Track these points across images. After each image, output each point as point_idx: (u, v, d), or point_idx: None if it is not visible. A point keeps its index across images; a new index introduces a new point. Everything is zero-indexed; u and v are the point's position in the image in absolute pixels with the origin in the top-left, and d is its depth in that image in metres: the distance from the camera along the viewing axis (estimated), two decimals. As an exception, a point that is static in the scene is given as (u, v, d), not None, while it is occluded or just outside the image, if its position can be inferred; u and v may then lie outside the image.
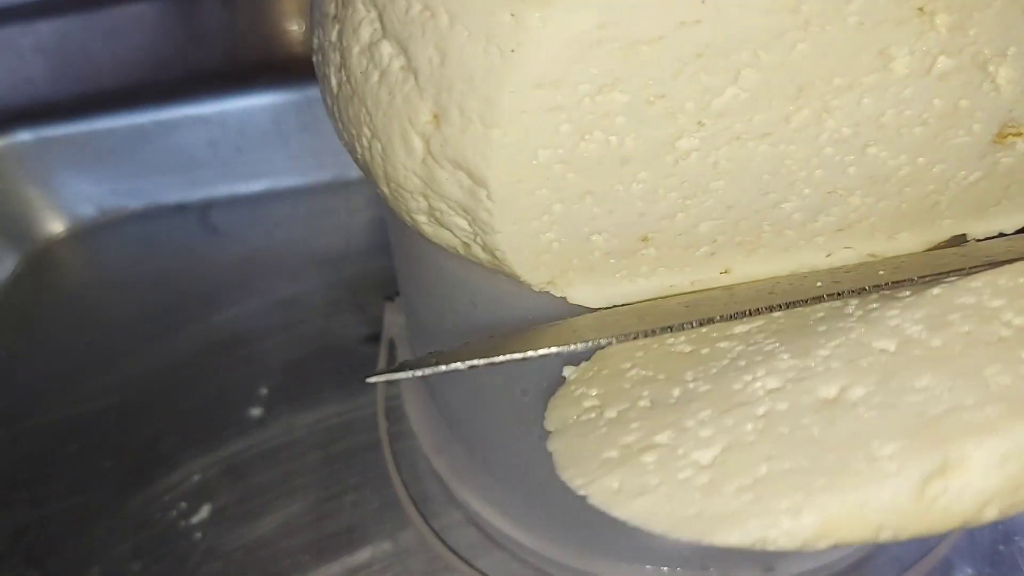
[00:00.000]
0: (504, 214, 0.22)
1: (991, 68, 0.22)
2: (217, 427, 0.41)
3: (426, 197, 0.23)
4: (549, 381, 0.28)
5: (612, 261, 0.24)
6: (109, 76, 0.62)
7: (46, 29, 0.61)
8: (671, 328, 0.21)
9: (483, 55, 0.20)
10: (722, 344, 0.22)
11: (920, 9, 0.20)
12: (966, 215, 0.25)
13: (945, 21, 0.21)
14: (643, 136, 0.21)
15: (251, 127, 0.49)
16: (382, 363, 0.40)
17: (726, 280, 0.25)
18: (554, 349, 0.21)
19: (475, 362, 0.21)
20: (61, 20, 0.61)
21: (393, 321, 0.39)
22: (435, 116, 0.22)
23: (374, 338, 0.43)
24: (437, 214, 0.24)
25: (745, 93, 0.21)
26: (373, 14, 0.22)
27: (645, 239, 0.24)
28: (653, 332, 0.21)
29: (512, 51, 0.20)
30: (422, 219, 0.24)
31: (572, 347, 0.21)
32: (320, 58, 0.26)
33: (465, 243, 0.24)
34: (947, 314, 0.20)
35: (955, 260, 0.22)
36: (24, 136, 0.47)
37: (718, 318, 0.21)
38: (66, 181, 0.48)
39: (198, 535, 0.37)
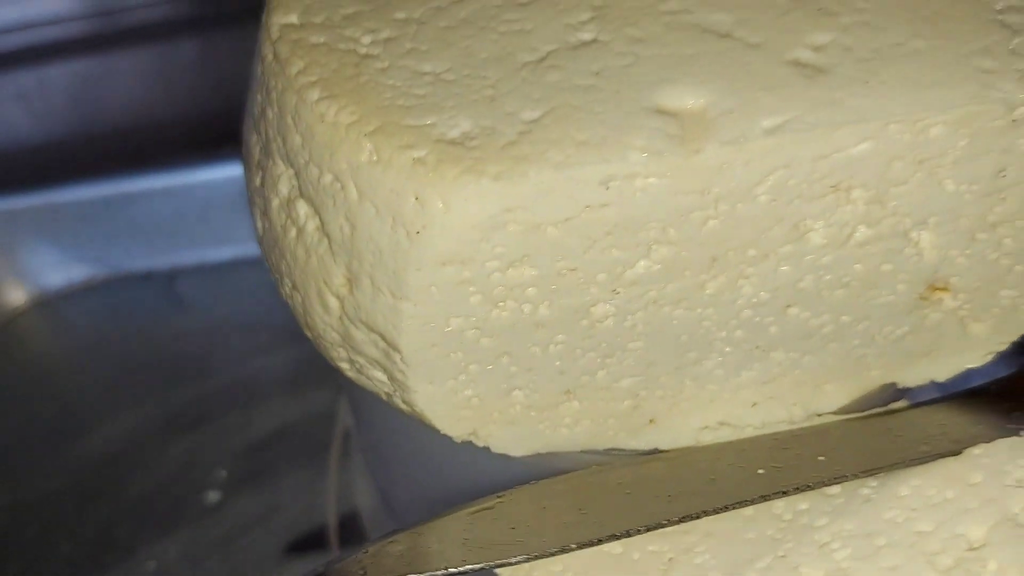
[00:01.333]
0: (418, 375, 0.22)
1: (913, 235, 0.22)
2: (174, 511, 0.41)
3: (346, 350, 0.23)
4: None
5: (533, 414, 0.24)
6: (80, 129, 0.62)
7: (28, 78, 0.61)
8: (615, 536, 0.21)
9: (390, 232, 0.20)
10: (652, 548, 0.21)
11: (835, 186, 0.20)
12: (894, 366, 0.24)
13: (862, 196, 0.20)
14: (557, 304, 0.21)
15: (217, 197, 0.49)
16: (334, 456, 0.40)
17: (652, 433, 0.25)
18: (497, 563, 0.21)
19: None
20: (41, 69, 0.61)
21: (347, 412, 0.39)
22: (348, 280, 0.22)
23: (334, 418, 0.43)
24: (358, 366, 0.24)
25: (657, 265, 0.21)
26: (291, 171, 0.22)
27: (568, 392, 0.23)
28: (598, 541, 0.21)
29: (417, 232, 0.20)
30: (345, 366, 0.24)
31: (515, 560, 0.21)
32: (249, 194, 0.26)
33: (387, 393, 0.24)
34: (875, 535, 0.20)
35: (891, 452, 0.22)
36: (-13, 208, 0.47)
37: (664, 522, 0.21)
38: (31, 249, 0.48)
39: (150, 626, 0.37)
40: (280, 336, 0.47)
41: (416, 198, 0.19)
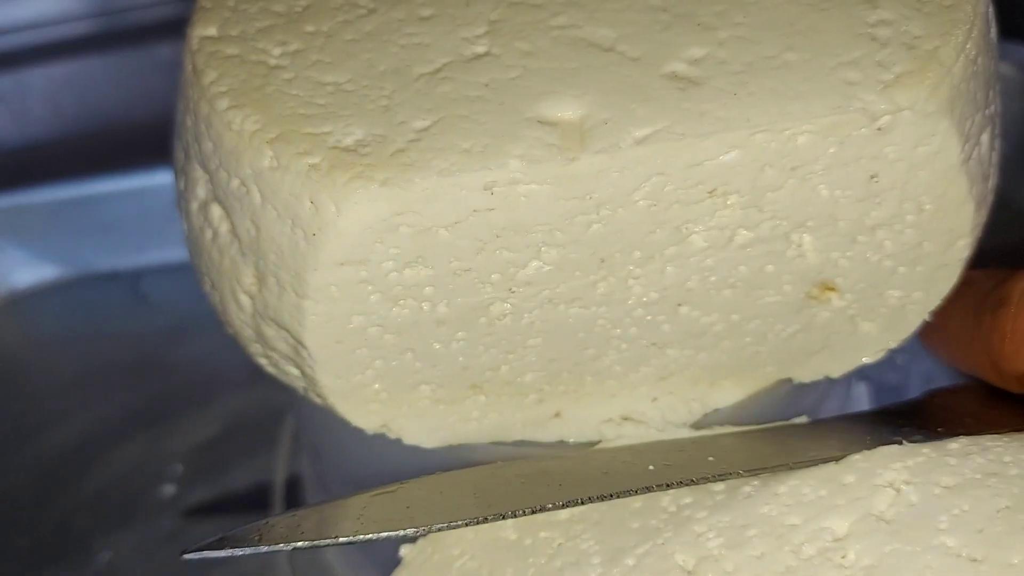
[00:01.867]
0: (326, 371, 0.23)
1: (794, 237, 0.23)
2: (130, 505, 0.42)
3: (261, 346, 0.24)
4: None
5: (442, 407, 0.25)
6: (57, 130, 0.63)
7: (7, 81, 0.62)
8: (502, 516, 0.22)
9: (290, 235, 0.21)
10: (544, 534, 0.23)
11: (711, 191, 0.21)
12: (788, 363, 0.26)
13: (738, 201, 0.22)
14: (455, 303, 0.22)
15: (181, 199, 0.50)
16: (284, 447, 0.41)
17: (558, 425, 0.26)
18: (384, 534, 0.22)
19: (300, 544, 0.22)
20: (20, 72, 0.63)
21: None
22: (257, 279, 0.23)
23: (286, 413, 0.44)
24: (273, 360, 0.25)
25: (548, 266, 0.22)
26: (206, 176, 0.23)
27: (474, 386, 0.25)
28: (484, 519, 0.22)
29: (314, 235, 0.21)
30: (263, 361, 0.25)
31: (402, 532, 0.22)
32: (176, 199, 0.27)
33: (303, 387, 0.25)
34: (747, 527, 0.21)
35: (777, 456, 0.23)
36: (-44, 209, 0.48)
37: (549, 505, 0.22)
38: (0, 250, 0.50)
39: (103, 615, 0.39)
40: (241, 335, 0.49)
41: (311, 202, 0.20)
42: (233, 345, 0.48)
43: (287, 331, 0.23)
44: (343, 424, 0.27)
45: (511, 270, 0.22)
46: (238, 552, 0.22)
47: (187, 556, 0.22)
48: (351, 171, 0.20)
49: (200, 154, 0.23)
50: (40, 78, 0.64)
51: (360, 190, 0.20)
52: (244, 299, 0.23)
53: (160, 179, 0.50)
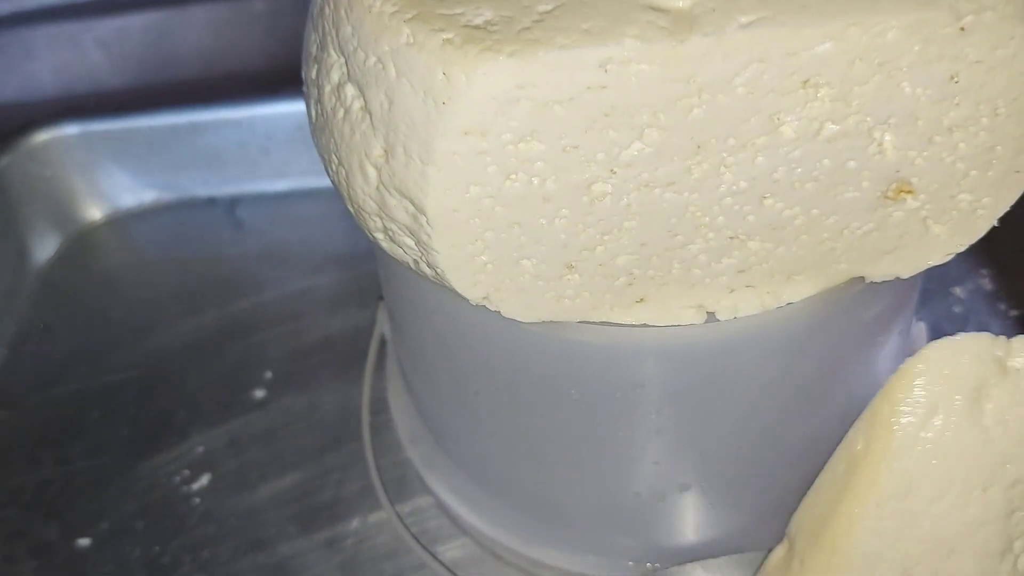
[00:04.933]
0: (441, 238, 0.26)
1: (876, 134, 0.25)
2: (223, 405, 0.45)
3: (381, 218, 0.27)
4: (497, 384, 0.32)
5: (540, 283, 0.27)
6: (155, 73, 0.67)
7: (107, 26, 0.66)
8: None
9: (421, 105, 0.24)
10: None
11: (805, 82, 0.23)
12: (861, 261, 0.28)
13: (828, 93, 0.24)
14: (561, 179, 0.25)
15: (278, 131, 0.53)
16: (371, 358, 0.43)
17: (642, 309, 0.28)
18: None
19: None
20: (120, 18, 0.66)
21: (384, 320, 0.43)
22: (385, 151, 0.25)
23: (372, 332, 0.47)
24: (390, 233, 0.27)
25: (649, 148, 0.24)
26: (341, 60, 0.26)
27: (569, 266, 0.27)
28: None
29: (443, 103, 0.23)
30: (380, 236, 0.28)
31: None
32: (305, 90, 0.29)
33: (415, 260, 0.28)
34: None
35: None
36: (71, 130, 0.51)
37: None
38: (107, 172, 0.53)
39: (197, 500, 0.42)
40: (328, 261, 0.52)
41: (444, 73, 0.23)
42: (321, 271, 0.51)
43: (409, 199, 0.25)
44: (437, 339, 0.30)
45: (615, 150, 0.24)
46: None
47: None
48: (481, 44, 0.23)
49: (337, 39, 0.26)
50: (139, 25, 0.67)
51: (489, 61, 0.22)
52: (371, 171, 0.26)
53: (259, 111, 0.53)
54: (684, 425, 0.30)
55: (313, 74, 0.28)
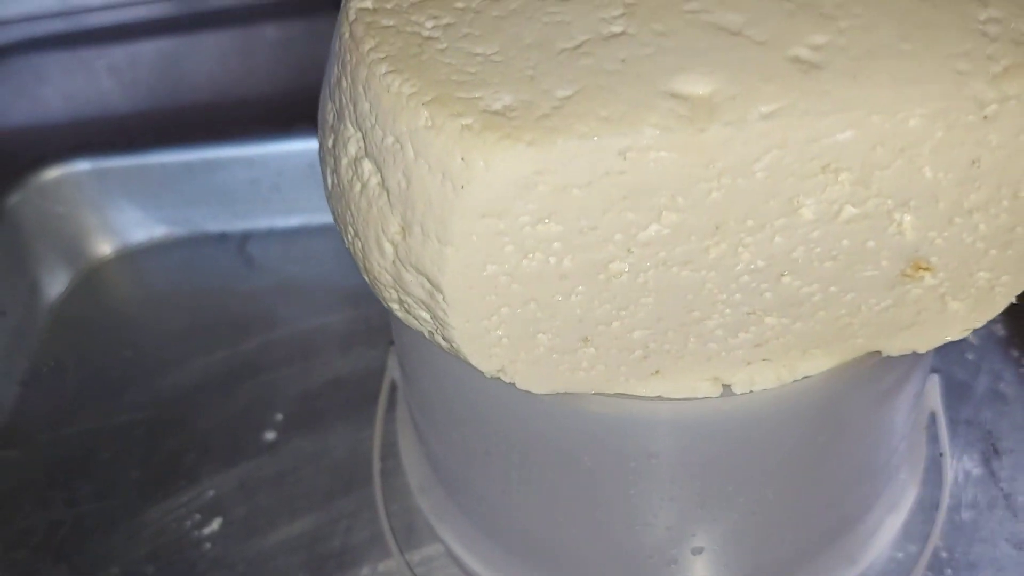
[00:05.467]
0: (457, 314, 0.26)
1: (896, 215, 0.25)
2: (234, 447, 0.45)
3: (396, 291, 0.27)
4: (509, 449, 0.32)
5: (555, 356, 0.27)
6: (166, 100, 0.67)
7: (119, 53, 0.66)
8: None
9: (439, 186, 0.24)
10: None
11: (825, 167, 0.23)
12: (879, 336, 0.27)
13: (848, 177, 0.24)
14: (578, 258, 0.25)
15: (289, 168, 0.53)
16: (382, 401, 0.43)
17: (657, 382, 0.28)
18: None
19: None
20: (132, 45, 0.67)
21: (394, 365, 0.43)
22: (402, 228, 0.25)
23: (383, 374, 0.47)
24: (406, 305, 0.27)
25: (667, 229, 0.24)
26: (359, 134, 0.26)
27: (585, 340, 0.27)
28: None
29: (462, 187, 0.23)
30: (395, 306, 0.28)
31: None
32: (321, 156, 0.29)
33: (430, 331, 0.27)
34: None
35: None
36: (82, 166, 0.52)
37: None
38: (119, 208, 0.53)
39: (208, 545, 0.42)
40: (339, 298, 0.52)
41: (462, 158, 0.23)
42: (332, 308, 0.51)
43: (426, 276, 0.25)
44: (448, 385, 0.30)
45: (632, 230, 0.24)
46: None
47: None
48: (500, 131, 0.22)
49: (355, 114, 0.26)
50: (150, 51, 0.67)
51: (508, 149, 0.22)
52: (387, 247, 0.26)
53: (271, 148, 0.53)
54: (698, 493, 0.30)
55: (330, 143, 0.28)
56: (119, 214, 0.53)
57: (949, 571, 0.38)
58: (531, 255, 0.24)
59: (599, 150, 0.22)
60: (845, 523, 0.35)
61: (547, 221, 0.24)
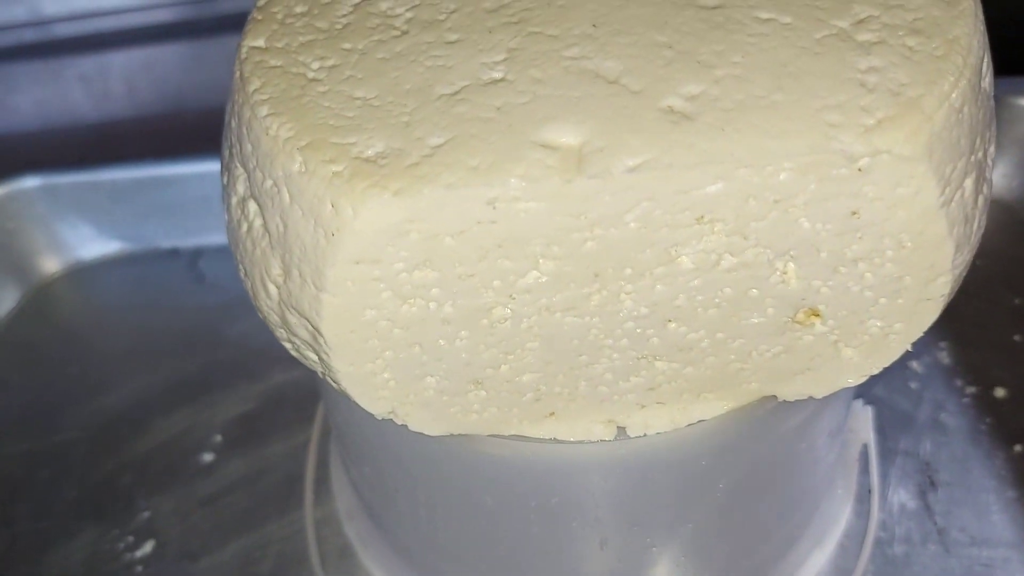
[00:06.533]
0: (340, 357, 0.25)
1: (778, 264, 0.24)
2: (171, 469, 0.45)
3: (285, 331, 0.27)
4: (415, 486, 0.32)
5: (445, 398, 0.27)
6: (136, 109, 0.67)
7: (89, 64, 0.67)
8: None
9: (313, 233, 0.23)
10: None
11: (699, 218, 0.23)
12: (772, 381, 0.27)
13: (723, 228, 0.23)
14: (459, 304, 0.24)
15: (239, 185, 0.53)
16: (317, 425, 0.43)
17: (552, 424, 0.28)
18: None
19: None
20: (102, 56, 0.67)
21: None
22: (283, 271, 0.25)
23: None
24: (296, 346, 0.27)
25: (545, 277, 0.24)
26: (244, 174, 0.26)
27: (476, 382, 0.27)
28: None
29: (333, 234, 0.23)
30: (287, 345, 0.28)
31: None
32: (222, 192, 0.29)
33: (321, 371, 0.27)
34: None
35: None
36: (31, 182, 0.52)
37: None
38: (70, 224, 0.53)
39: (139, 568, 0.42)
40: (286, 317, 0.51)
41: (332, 205, 0.23)
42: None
43: (307, 319, 0.25)
44: (352, 410, 0.30)
45: (511, 278, 0.24)
46: None
47: None
48: (368, 180, 0.22)
49: (241, 154, 0.26)
50: (121, 61, 0.68)
51: (375, 197, 0.22)
52: (272, 288, 0.26)
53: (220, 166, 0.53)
54: (600, 536, 0.30)
55: (224, 180, 0.28)
56: (70, 230, 0.53)
57: (872, 605, 0.38)
58: (410, 301, 0.24)
59: (467, 200, 0.22)
60: (767, 559, 0.35)
61: (423, 267, 0.24)
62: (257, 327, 0.51)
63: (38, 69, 0.68)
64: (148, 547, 0.42)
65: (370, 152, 0.23)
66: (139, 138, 0.67)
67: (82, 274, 0.54)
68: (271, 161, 0.24)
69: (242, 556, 0.42)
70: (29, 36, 0.68)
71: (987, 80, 0.25)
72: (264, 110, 0.24)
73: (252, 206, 0.26)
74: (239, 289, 0.53)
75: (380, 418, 0.27)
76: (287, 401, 0.47)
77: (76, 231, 0.53)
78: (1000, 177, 0.50)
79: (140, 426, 0.47)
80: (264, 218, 0.25)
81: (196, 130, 0.60)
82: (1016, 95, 0.48)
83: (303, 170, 0.23)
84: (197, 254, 0.55)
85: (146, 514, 0.44)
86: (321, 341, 0.25)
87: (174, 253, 0.55)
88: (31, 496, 0.44)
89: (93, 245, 0.54)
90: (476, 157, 0.22)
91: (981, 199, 0.25)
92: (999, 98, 0.49)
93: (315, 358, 0.27)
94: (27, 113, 0.70)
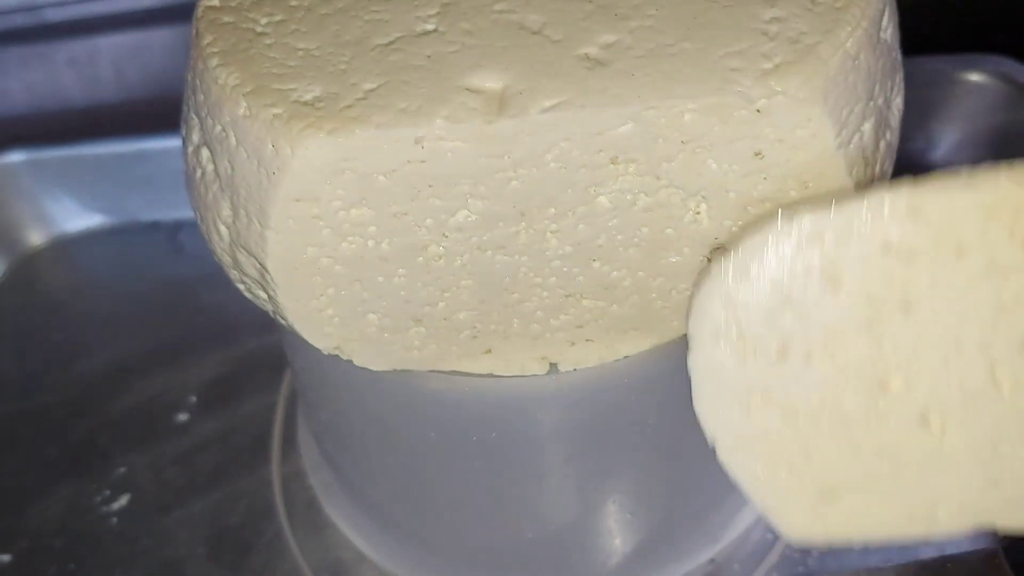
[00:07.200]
0: (286, 294, 0.27)
1: (690, 204, 0.26)
2: (148, 427, 0.47)
3: (237, 272, 0.29)
4: (368, 423, 0.33)
5: (387, 335, 0.29)
6: (126, 93, 0.69)
7: (79, 47, 0.68)
8: None
9: (256, 172, 0.25)
10: None
11: (613, 159, 0.25)
12: (694, 320, 0.29)
13: (636, 168, 0.25)
14: (395, 242, 0.26)
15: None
16: (286, 383, 0.45)
17: (489, 360, 0.29)
18: None
19: None
20: (92, 40, 0.69)
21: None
22: (232, 212, 0.27)
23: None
24: (247, 285, 0.29)
25: (475, 216, 0.26)
26: (198, 123, 0.28)
27: (416, 320, 0.28)
28: None
29: (273, 173, 0.25)
30: (241, 287, 0.30)
31: None
32: (181, 144, 0.31)
33: (271, 309, 0.29)
34: None
35: None
36: (16, 156, 0.53)
37: None
38: (54, 198, 0.55)
39: (114, 520, 0.44)
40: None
41: (272, 145, 0.25)
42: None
43: (255, 257, 0.27)
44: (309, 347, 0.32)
45: (442, 217, 0.26)
46: None
47: None
48: (305, 121, 0.24)
49: (195, 104, 0.28)
50: (110, 46, 0.69)
51: (311, 137, 0.24)
52: (223, 229, 0.28)
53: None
54: (538, 472, 0.32)
55: (183, 131, 0.30)
56: (54, 204, 0.55)
57: (814, 551, 0.39)
58: (349, 239, 0.26)
59: (396, 139, 0.24)
60: (705, 502, 0.37)
61: (359, 206, 0.25)
62: (232, 296, 0.52)
63: (28, 53, 0.70)
64: (124, 500, 0.44)
65: (308, 96, 0.25)
66: (127, 121, 0.68)
67: (66, 246, 0.56)
68: (220, 108, 0.26)
69: (213, 509, 0.44)
70: (20, 21, 0.70)
71: (889, 32, 0.27)
72: (214, 61, 0.26)
73: (204, 152, 0.27)
74: (216, 261, 0.56)
75: (327, 353, 0.29)
76: (259, 365, 0.49)
77: (60, 204, 0.55)
78: (949, 148, 0.52)
79: (119, 388, 0.49)
80: (215, 163, 0.27)
81: (171, 110, 0.62)
82: (965, 71, 0.50)
83: (247, 114, 0.25)
84: (177, 227, 0.57)
85: (122, 470, 0.45)
86: (268, 279, 0.27)
87: (155, 226, 0.57)
88: (14, 454, 0.46)
89: (77, 218, 0.56)
90: (406, 100, 0.24)
91: (883, 144, 0.27)
92: (948, 73, 0.51)
93: (265, 296, 0.28)
94: (17, 96, 0.71)
